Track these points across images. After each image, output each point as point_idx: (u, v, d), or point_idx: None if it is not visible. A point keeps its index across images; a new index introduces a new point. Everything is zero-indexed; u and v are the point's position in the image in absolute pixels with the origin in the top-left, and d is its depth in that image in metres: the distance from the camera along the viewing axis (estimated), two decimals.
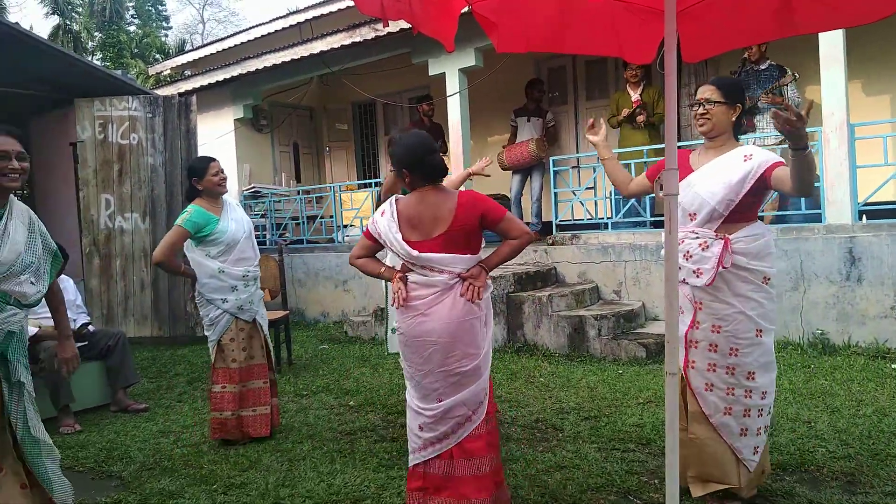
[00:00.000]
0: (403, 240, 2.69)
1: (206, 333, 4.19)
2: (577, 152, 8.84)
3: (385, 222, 2.74)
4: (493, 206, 2.77)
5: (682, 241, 2.81)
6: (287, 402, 4.93)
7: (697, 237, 2.80)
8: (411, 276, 2.73)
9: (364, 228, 2.82)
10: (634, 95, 7.30)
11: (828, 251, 5.49)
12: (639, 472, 3.32)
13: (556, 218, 7.32)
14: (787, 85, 6.40)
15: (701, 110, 2.82)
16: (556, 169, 7.40)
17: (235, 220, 4.16)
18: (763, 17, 2.35)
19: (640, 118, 7.17)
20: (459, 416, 2.69)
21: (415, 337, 2.70)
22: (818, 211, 5.81)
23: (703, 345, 2.85)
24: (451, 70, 7.81)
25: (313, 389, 5.30)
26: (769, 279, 2.81)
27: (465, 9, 2.44)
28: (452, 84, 7.84)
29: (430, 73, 8.03)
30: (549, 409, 4.43)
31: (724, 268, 2.73)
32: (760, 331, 2.79)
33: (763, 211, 6.24)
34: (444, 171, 2.81)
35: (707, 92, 2.83)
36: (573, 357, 5.79)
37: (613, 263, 6.57)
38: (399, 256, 2.75)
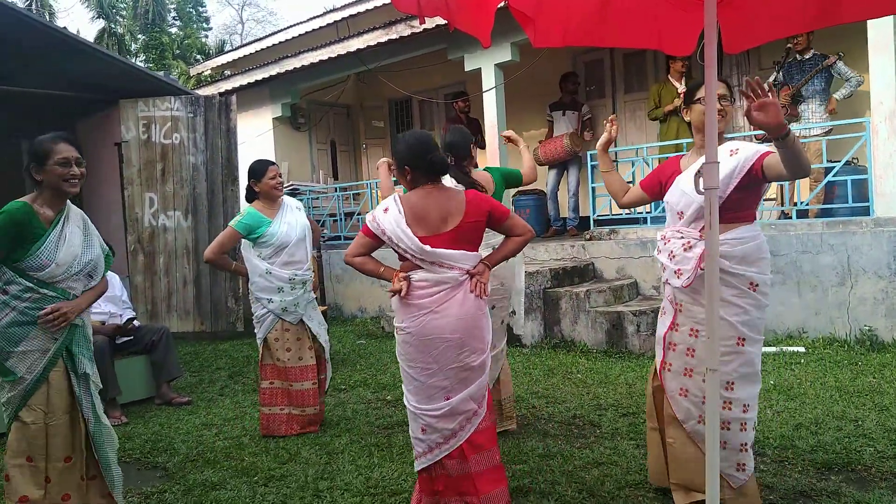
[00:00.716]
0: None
1: (255, 332, 4.34)
2: (616, 146, 8.72)
3: (391, 218, 2.69)
4: (499, 205, 2.84)
5: (669, 241, 2.75)
6: (325, 397, 4.99)
7: (682, 237, 2.71)
8: (418, 274, 2.69)
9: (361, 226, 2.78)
10: (680, 87, 7.14)
11: (876, 245, 5.32)
12: None
13: (594, 213, 7.25)
14: (833, 65, 6.17)
15: (717, 106, 2.61)
16: (593, 163, 7.32)
17: (289, 224, 4.22)
18: (807, 4, 2.28)
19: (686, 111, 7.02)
20: (467, 411, 2.69)
21: (425, 336, 2.66)
22: (866, 204, 5.64)
23: (681, 348, 2.73)
24: (486, 65, 7.79)
25: (351, 384, 5.36)
26: (757, 285, 2.63)
27: (501, 3, 2.43)
28: (489, 79, 7.81)
29: (466, 69, 8.02)
30: (586, 405, 4.40)
31: (702, 270, 2.57)
32: (743, 339, 2.62)
33: (808, 204, 6.08)
34: (446, 168, 2.84)
35: (721, 88, 2.71)
36: (611, 353, 5.73)
37: (652, 259, 6.47)
38: (405, 253, 2.70)
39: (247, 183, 4.31)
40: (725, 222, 2.58)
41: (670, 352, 2.77)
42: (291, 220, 4.26)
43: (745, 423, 2.65)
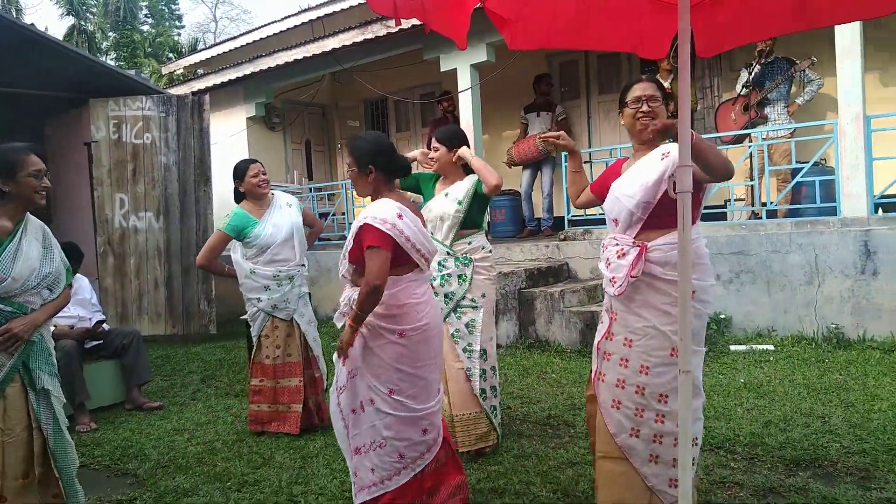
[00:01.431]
0: None
1: (251, 330, 4.37)
2: (590, 147, 8.79)
3: (409, 223, 2.62)
4: None
5: (606, 248, 2.64)
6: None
7: (617, 244, 2.58)
8: (424, 275, 2.77)
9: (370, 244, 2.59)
10: (666, 84, 7.23)
11: (843, 245, 5.44)
12: None
13: (568, 213, 7.30)
14: (804, 70, 6.31)
15: (645, 108, 2.55)
16: (567, 164, 7.37)
17: (275, 225, 4.20)
18: (778, 9, 2.32)
19: (671, 107, 7.10)
20: (441, 395, 2.81)
21: (435, 329, 2.75)
22: (833, 204, 5.76)
23: (614, 358, 2.58)
24: (462, 66, 7.80)
25: (325, 387, 5.32)
26: (694, 293, 2.40)
27: (477, 5, 2.44)
28: (464, 80, 7.83)
29: (442, 69, 8.02)
30: (560, 405, 4.43)
31: (632, 277, 2.48)
32: (677, 350, 2.42)
33: (777, 204, 6.19)
34: (410, 170, 2.87)
35: (650, 89, 2.60)
36: (585, 353, 5.76)
37: None
38: (419, 257, 2.67)
39: (233, 185, 4.30)
40: (661, 228, 2.48)
41: (605, 361, 2.63)
42: (279, 220, 4.23)
43: None
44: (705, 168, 2.34)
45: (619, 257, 2.55)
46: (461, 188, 3.68)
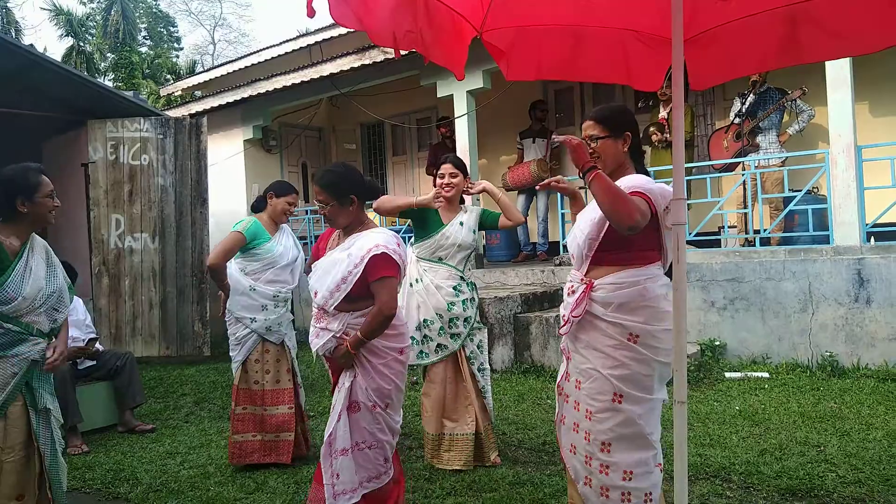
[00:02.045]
0: None
1: (231, 353, 4.16)
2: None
3: (406, 251, 2.94)
4: None
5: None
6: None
7: (570, 281, 2.53)
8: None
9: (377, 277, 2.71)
10: (662, 113, 7.34)
11: (836, 273, 5.48)
12: None
13: (563, 238, 7.33)
14: (795, 99, 6.42)
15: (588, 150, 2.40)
16: (571, 208, 7.42)
17: (284, 246, 4.22)
18: (769, 45, 2.38)
19: (656, 137, 7.19)
20: None
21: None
22: (826, 232, 5.81)
23: (571, 400, 2.48)
24: (459, 92, 7.89)
25: (319, 410, 5.29)
26: (638, 337, 2.32)
27: (475, 36, 2.49)
28: (461, 106, 7.91)
29: (439, 95, 8.11)
30: (554, 432, 4.40)
31: (574, 317, 2.41)
32: (620, 396, 2.32)
33: (770, 232, 6.24)
34: (380, 190, 3.05)
35: (589, 129, 2.48)
36: None
37: None
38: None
39: (259, 194, 4.25)
40: (605, 264, 2.39)
41: (564, 403, 2.52)
42: (287, 243, 4.27)
43: (630, 494, 2.32)
44: (601, 208, 2.19)
45: (568, 294, 2.49)
46: (472, 218, 3.92)
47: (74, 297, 5.13)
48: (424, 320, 3.85)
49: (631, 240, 2.31)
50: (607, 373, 2.34)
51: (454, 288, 3.84)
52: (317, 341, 2.80)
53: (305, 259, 3.84)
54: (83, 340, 5.08)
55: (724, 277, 5.96)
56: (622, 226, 2.13)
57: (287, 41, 11.57)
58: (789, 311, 5.67)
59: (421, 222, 3.92)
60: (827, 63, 5.75)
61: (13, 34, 25.34)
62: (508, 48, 2.55)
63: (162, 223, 7.49)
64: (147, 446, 4.60)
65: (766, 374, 5.44)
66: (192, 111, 10.03)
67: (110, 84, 21.29)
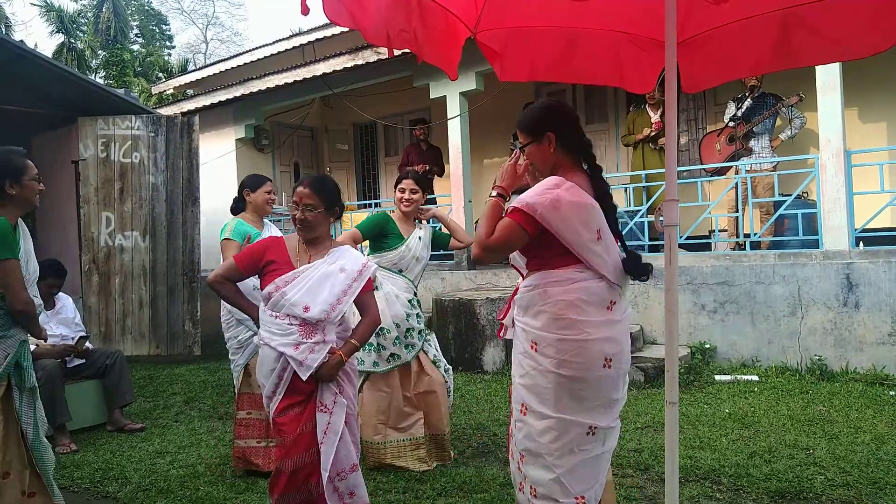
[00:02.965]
0: None
1: (231, 357, 4.04)
2: None
3: None
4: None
5: None
6: None
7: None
8: None
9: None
10: (655, 117, 7.35)
11: (825, 277, 5.51)
12: (637, 499, 3.30)
13: None
14: (791, 106, 6.45)
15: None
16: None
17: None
18: (762, 49, 2.40)
19: (663, 140, 7.20)
20: None
21: None
22: (815, 237, 5.85)
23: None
24: (451, 93, 7.89)
25: None
26: (536, 344, 2.20)
27: (469, 37, 2.49)
28: (453, 107, 7.91)
29: (432, 96, 8.11)
30: None
31: (502, 322, 2.48)
32: (525, 408, 2.23)
33: (760, 236, 6.27)
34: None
35: (520, 138, 2.37)
36: None
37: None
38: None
39: (237, 194, 4.15)
40: (532, 269, 2.31)
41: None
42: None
43: None
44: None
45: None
46: (427, 235, 4.09)
47: (64, 295, 5.15)
48: (381, 328, 3.76)
49: (542, 245, 2.20)
50: (517, 381, 2.28)
51: (409, 301, 3.96)
52: (314, 356, 2.64)
53: None
54: (73, 339, 5.05)
55: (714, 281, 5.99)
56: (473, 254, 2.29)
57: (280, 40, 11.54)
58: (779, 314, 5.70)
59: (382, 234, 3.96)
60: (817, 68, 5.79)
61: (3, 29, 25.14)
62: (502, 49, 2.56)
63: (153, 221, 7.44)
64: (136, 445, 4.57)
65: (755, 378, 5.47)
66: (184, 109, 10.00)
67: (101, 81, 21.16)
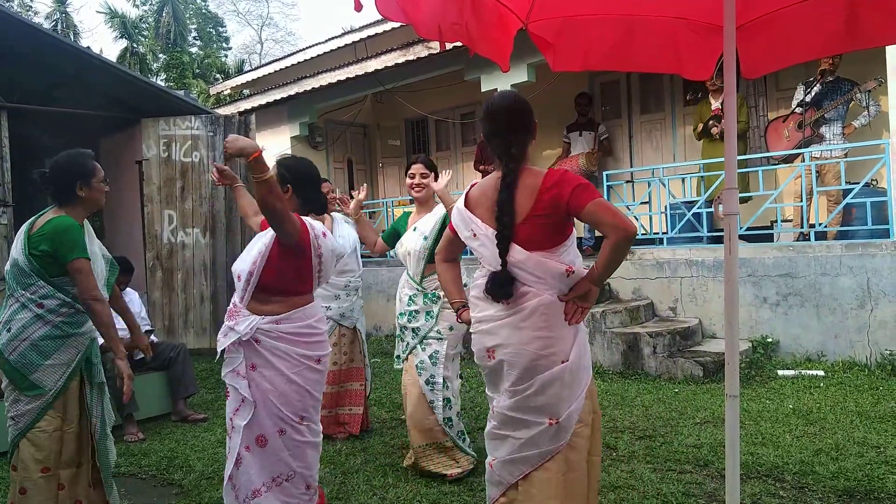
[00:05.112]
0: None
1: None
2: (631, 166, 8.73)
3: None
4: None
5: None
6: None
7: None
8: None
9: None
10: (715, 104, 7.13)
11: None
12: (696, 495, 3.23)
13: None
14: (868, 91, 6.12)
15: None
16: (609, 183, 7.33)
17: (342, 237, 4.51)
18: (826, 31, 2.30)
19: (716, 130, 6.98)
20: None
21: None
22: (886, 226, 5.59)
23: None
24: (503, 86, 7.83)
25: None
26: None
27: (520, 27, 2.47)
28: None
29: (483, 90, 8.08)
30: (602, 427, 4.35)
31: None
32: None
33: (826, 226, 6.03)
34: None
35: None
36: (627, 375, 5.69)
37: (669, 280, 6.45)
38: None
39: None
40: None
41: None
42: (344, 233, 4.55)
43: None
44: None
45: None
46: (429, 222, 3.71)
47: (130, 290, 5.35)
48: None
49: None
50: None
51: (409, 298, 3.70)
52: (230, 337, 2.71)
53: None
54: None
55: (776, 273, 5.80)
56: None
57: (332, 39, 11.70)
58: (846, 307, 5.48)
59: (396, 234, 3.99)
60: (887, 50, 5.53)
61: (72, 37, 26.27)
62: (554, 39, 2.53)
63: (212, 219, 7.66)
64: (199, 435, 4.72)
65: (821, 373, 5.27)
66: (241, 109, 10.24)
67: (162, 84, 21.85)
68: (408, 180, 3.84)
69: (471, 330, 2.39)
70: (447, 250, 2.55)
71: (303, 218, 2.65)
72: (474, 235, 2.31)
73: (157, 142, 7.66)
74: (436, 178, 3.75)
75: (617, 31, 2.50)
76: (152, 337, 5.34)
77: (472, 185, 2.41)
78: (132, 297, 5.37)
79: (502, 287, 2.22)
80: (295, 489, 2.57)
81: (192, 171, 7.68)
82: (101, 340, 3.01)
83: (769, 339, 5.77)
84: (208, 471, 3.95)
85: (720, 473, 3.44)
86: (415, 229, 3.74)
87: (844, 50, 2.41)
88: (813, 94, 6.32)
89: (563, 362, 2.21)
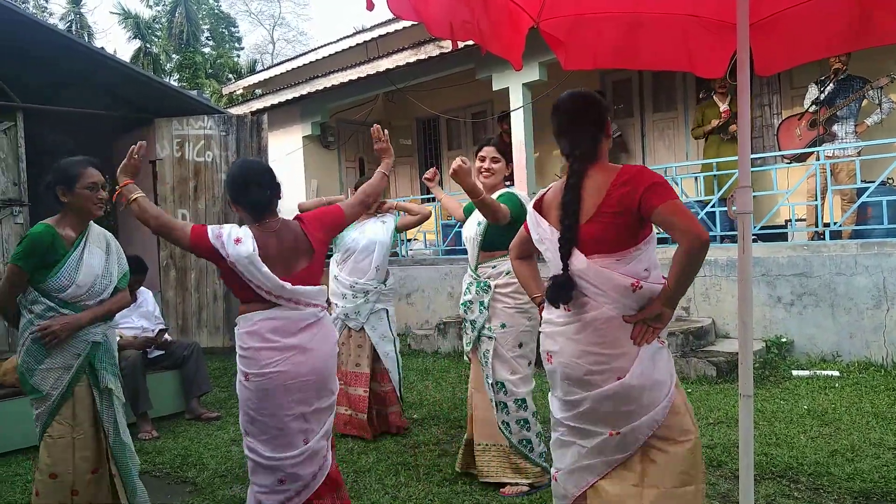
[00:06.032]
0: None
1: None
2: (644, 164, 8.68)
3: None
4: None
5: None
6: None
7: None
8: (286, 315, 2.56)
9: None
10: (723, 106, 7.11)
11: None
12: (709, 496, 3.21)
13: None
14: (880, 88, 6.07)
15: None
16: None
17: (360, 231, 4.43)
18: (839, 28, 2.28)
19: (734, 128, 6.94)
20: (322, 448, 2.61)
21: (296, 379, 2.50)
22: None
23: None
24: (514, 85, 7.83)
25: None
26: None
27: (532, 26, 2.47)
28: (516, 98, 7.85)
29: (494, 88, 8.07)
30: None
31: None
32: None
33: (841, 225, 5.97)
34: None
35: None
36: None
37: None
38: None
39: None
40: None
41: None
42: (365, 229, 4.44)
43: None
44: None
45: None
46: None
47: (144, 289, 5.38)
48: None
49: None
50: None
51: (466, 287, 3.57)
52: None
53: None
54: (153, 331, 5.28)
55: (791, 272, 5.75)
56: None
57: (343, 38, 11.72)
58: (862, 307, 5.42)
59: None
60: None
61: (86, 38, 26.51)
62: (566, 37, 2.51)
63: (225, 218, 7.69)
64: (213, 433, 4.75)
65: (836, 373, 5.22)
66: (253, 109, 10.29)
67: (175, 84, 22.01)
68: (477, 163, 3.55)
69: (540, 329, 2.31)
70: (519, 248, 2.49)
71: (211, 227, 2.54)
72: (541, 239, 2.25)
73: (171, 141, 7.71)
74: (509, 165, 3.63)
75: (628, 30, 2.49)
76: (166, 336, 5.38)
77: (549, 188, 2.31)
78: (146, 297, 5.41)
79: (560, 292, 2.10)
80: (253, 499, 2.58)
81: (204, 171, 7.73)
82: (114, 343, 3.02)
83: (783, 339, 5.72)
84: (221, 469, 3.98)
85: (734, 474, 3.41)
86: (473, 215, 3.57)
87: (859, 47, 2.38)
88: (826, 92, 6.28)
89: (618, 378, 2.05)
